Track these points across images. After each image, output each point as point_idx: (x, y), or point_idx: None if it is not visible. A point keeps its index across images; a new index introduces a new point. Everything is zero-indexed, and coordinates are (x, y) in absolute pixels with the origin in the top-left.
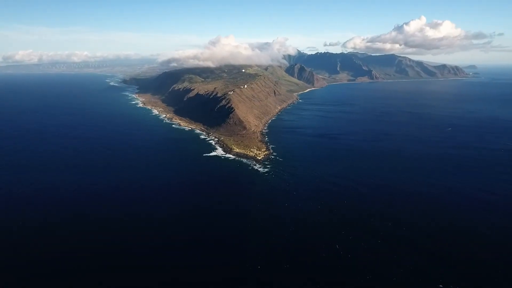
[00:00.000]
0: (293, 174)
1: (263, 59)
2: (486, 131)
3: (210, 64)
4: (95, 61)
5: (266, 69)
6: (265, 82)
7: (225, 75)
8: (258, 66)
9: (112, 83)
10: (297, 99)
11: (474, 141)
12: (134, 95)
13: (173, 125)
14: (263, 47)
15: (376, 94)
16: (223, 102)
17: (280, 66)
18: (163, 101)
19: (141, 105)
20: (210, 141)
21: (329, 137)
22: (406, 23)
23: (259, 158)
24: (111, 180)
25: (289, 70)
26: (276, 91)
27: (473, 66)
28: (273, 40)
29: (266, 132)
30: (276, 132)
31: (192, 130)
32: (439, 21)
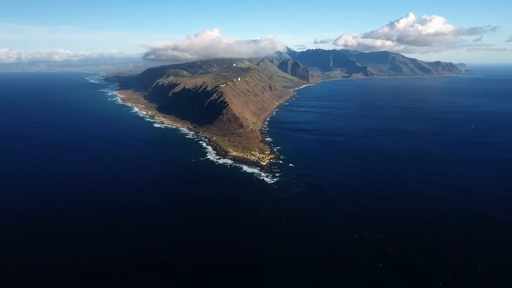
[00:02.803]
0: (312, 185)
1: (245, 49)
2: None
3: (188, 55)
4: (78, 60)
5: (258, 64)
6: (259, 76)
7: (215, 69)
8: (249, 61)
9: (92, 81)
10: (294, 95)
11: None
12: (113, 92)
13: (155, 124)
14: (252, 43)
15: (376, 90)
16: (214, 96)
17: (272, 62)
18: (146, 97)
19: (120, 102)
20: (200, 142)
21: (341, 135)
22: (397, 21)
23: (264, 163)
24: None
25: (282, 66)
26: (272, 86)
27: (462, 64)
28: (261, 38)
29: (266, 130)
30: (278, 131)
31: (177, 129)
32: (428, 17)
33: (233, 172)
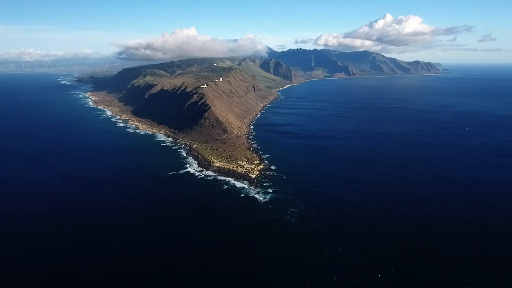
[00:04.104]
0: (311, 202)
1: (220, 47)
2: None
3: (161, 55)
4: (50, 60)
5: (239, 64)
6: (242, 76)
7: (195, 69)
8: (230, 61)
9: (63, 82)
10: (278, 95)
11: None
12: (86, 94)
13: (129, 129)
14: (231, 42)
15: (359, 90)
16: (195, 97)
17: (254, 61)
18: (120, 99)
19: (91, 104)
20: (179, 151)
21: (329, 138)
22: (375, 21)
23: (253, 176)
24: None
25: (264, 66)
26: (255, 86)
27: (438, 64)
28: (241, 37)
29: (252, 135)
30: (266, 135)
31: (153, 136)
32: (404, 17)
33: (218, 188)
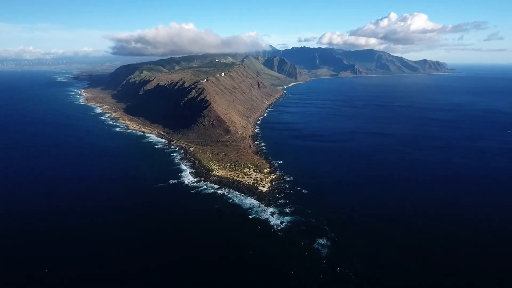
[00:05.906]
0: (343, 228)
1: (213, 39)
2: None
3: (151, 49)
4: (50, 58)
5: (242, 61)
6: (246, 72)
7: (195, 65)
8: (233, 57)
9: (60, 79)
10: (284, 93)
11: None
12: (78, 91)
13: (117, 129)
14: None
15: (368, 88)
16: (193, 93)
17: (257, 58)
18: (114, 96)
19: (82, 101)
20: (173, 155)
21: (353, 141)
22: (380, 19)
23: (264, 189)
24: None
25: (268, 63)
26: (260, 83)
27: (444, 63)
28: (241, 34)
29: (259, 136)
30: (275, 137)
31: (144, 136)
32: (408, 15)
33: (219, 207)
